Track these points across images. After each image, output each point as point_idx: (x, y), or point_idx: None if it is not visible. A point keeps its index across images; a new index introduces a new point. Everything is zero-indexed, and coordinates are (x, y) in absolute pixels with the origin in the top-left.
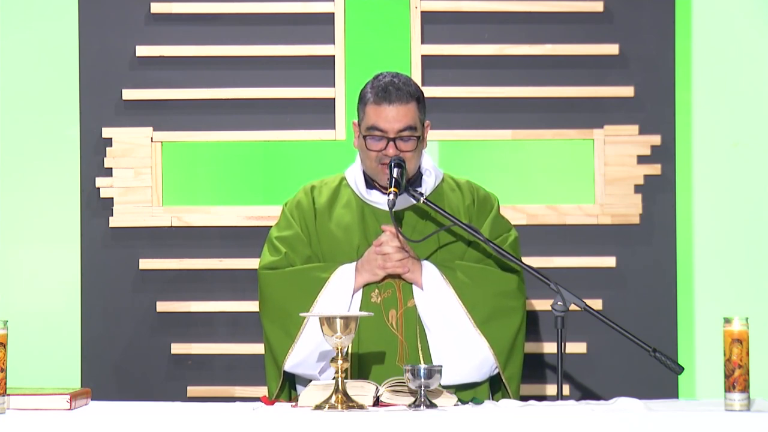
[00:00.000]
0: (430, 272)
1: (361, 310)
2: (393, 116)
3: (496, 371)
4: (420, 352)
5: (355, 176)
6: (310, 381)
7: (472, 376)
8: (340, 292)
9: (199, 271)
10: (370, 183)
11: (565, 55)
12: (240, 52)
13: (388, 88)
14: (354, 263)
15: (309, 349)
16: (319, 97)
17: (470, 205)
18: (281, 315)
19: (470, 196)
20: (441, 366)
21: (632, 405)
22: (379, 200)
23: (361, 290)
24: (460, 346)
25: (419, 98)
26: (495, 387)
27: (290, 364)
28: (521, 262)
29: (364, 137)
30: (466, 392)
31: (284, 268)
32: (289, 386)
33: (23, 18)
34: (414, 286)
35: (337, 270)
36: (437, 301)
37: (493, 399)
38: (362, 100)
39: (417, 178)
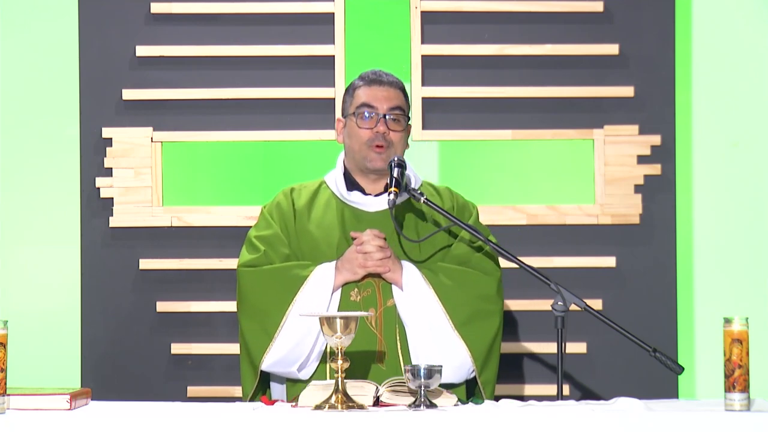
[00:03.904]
0: (410, 272)
1: (340, 309)
2: (384, 96)
3: (473, 374)
4: (399, 352)
5: (335, 178)
6: (288, 379)
7: (449, 377)
8: (319, 291)
9: (199, 271)
10: (351, 184)
11: (565, 55)
12: (240, 52)
13: (378, 72)
14: (334, 262)
15: (288, 348)
16: (319, 97)
17: (450, 210)
18: (260, 313)
19: (450, 202)
20: (441, 366)
21: (632, 405)
22: (359, 201)
23: (340, 289)
24: (439, 347)
25: (406, 93)
26: (470, 390)
27: (268, 363)
28: (521, 262)
29: (354, 114)
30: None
31: (263, 265)
32: (263, 385)
33: (23, 18)
34: (393, 286)
35: (316, 268)
36: (417, 301)
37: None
38: (350, 89)
39: None
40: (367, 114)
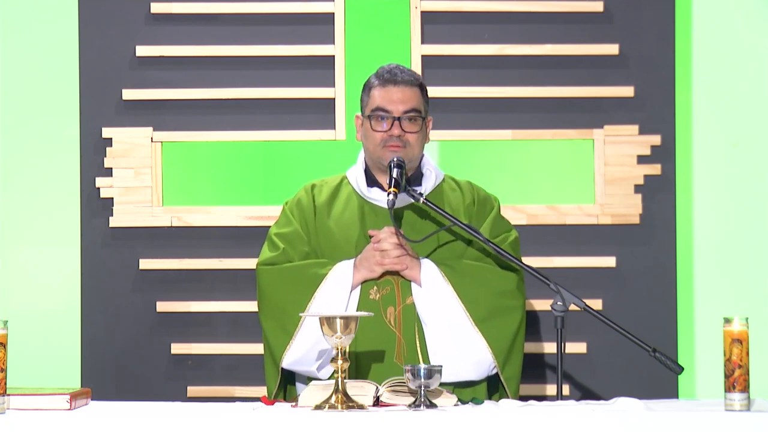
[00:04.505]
0: (428, 269)
1: (359, 307)
2: (398, 98)
3: (495, 371)
4: (418, 350)
5: (356, 175)
6: (310, 379)
7: (469, 375)
8: (338, 289)
9: (199, 271)
10: (371, 181)
11: (565, 55)
12: (240, 52)
13: (393, 71)
14: (352, 260)
15: (307, 346)
16: (319, 97)
17: (470, 204)
18: (279, 312)
19: (470, 196)
20: (441, 366)
21: (632, 405)
22: (379, 197)
23: (359, 287)
24: (458, 344)
25: (423, 87)
26: (493, 386)
27: (288, 361)
28: (521, 261)
29: (369, 118)
30: (464, 390)
31: (282, 263)
32: (287, 384)
33: (23, 18)
34: (413, 284)
35: (335, 266)
36: (436, 298)
37: (491, 398)
38: (366, 87)
39: (418, 177)
40: (381, 117)
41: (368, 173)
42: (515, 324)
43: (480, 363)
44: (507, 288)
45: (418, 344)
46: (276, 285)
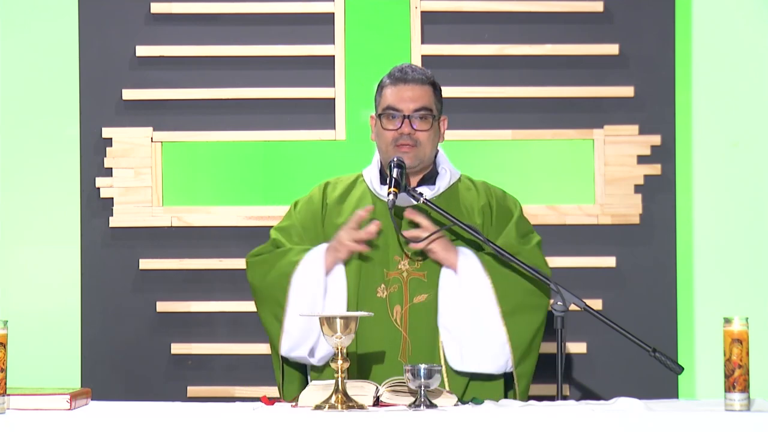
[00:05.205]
0: (467, 257)
1: (365, 305)
2: (409, 96)
3: (512, 368)
4: (425, 350)
5: (370, 173)
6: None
7: (488, 367)
8: (311, 273)
9: (199, 271)
10: (385, 179)
11: (565, 55)
12: (240, 52)
13: (404, 70)
14: (325, 244)
15: (298, 330)
16: (319, 97)
17: (485, 205)
18: (269, 300)
19: (486, 197)
20: (441, 366)
21: (632, 405)
22: None
23: (343, 273)
24: (481, 334)
25: (435, 85)
26: (510, 385)
27: (285, 349)
28: (521, 262)
29: (380, 116)
30: (480, 383)
31: (268, 253)
32: (305, 382)
33: (23, 18)
34: (443, 268)
35: (309, 252)
36: (470, 285)
37: (507, 397)
38: (379, 87)
39: (433, 175)
40: (392, 115)
41: (383, 172)
42: (537, 322)
43: (499, 356)
44: (537, 286)
45: (424, 344)
46: (260, 273)
